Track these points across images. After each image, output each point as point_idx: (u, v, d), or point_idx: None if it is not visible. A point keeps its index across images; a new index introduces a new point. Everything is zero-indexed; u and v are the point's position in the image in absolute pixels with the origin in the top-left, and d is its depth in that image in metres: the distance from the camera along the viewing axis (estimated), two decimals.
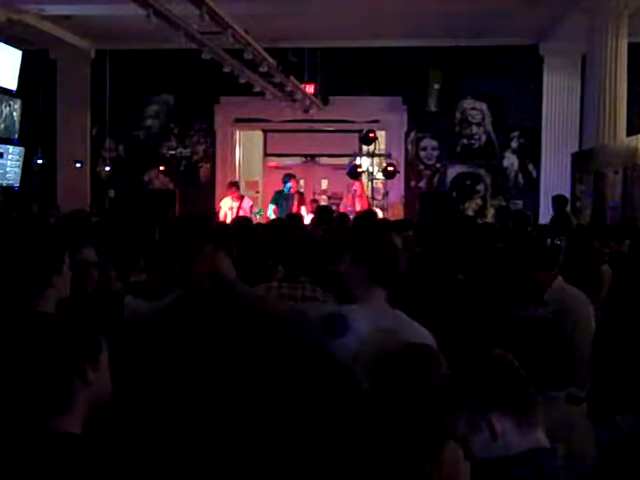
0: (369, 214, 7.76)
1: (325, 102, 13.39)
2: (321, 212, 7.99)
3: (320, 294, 4.10)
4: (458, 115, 13.82)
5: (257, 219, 11.46)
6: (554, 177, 13.13)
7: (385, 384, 2.42)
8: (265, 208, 12.63)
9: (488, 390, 1.95)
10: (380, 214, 10.91)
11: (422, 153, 14.00)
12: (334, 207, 11.96)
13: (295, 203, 11.75)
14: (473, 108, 13.81)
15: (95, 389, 1.89)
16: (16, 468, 1.74)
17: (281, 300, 3.98)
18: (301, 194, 12.39)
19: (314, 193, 15.01)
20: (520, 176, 13.83)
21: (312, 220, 8.38)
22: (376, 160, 13.37)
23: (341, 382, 2.63)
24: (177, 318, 2.62)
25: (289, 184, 11.85)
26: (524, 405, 1.96)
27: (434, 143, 13.95)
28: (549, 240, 4.67)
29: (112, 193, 14.18)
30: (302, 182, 13.94)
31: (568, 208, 10.77)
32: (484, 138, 13.85)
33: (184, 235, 4.68)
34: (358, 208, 12.50)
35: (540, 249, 4.29)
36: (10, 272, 2.91)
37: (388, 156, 13.61)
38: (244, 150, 15.27)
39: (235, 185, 12.34)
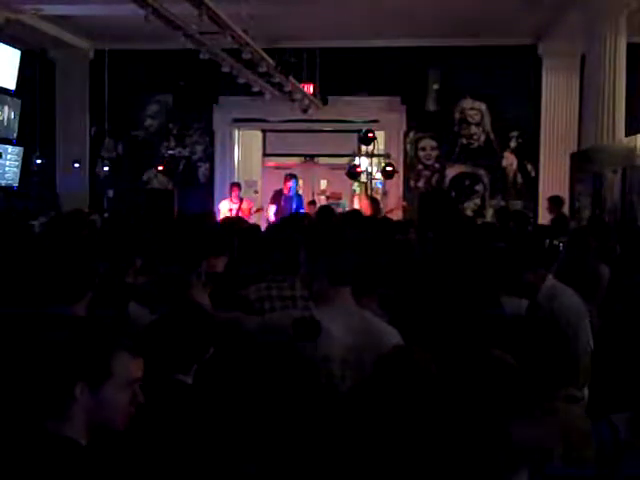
0: (328, 212, 7.73)
1: (324, 102, 13.38)
2: (323, 213, 7.90)
3: (306, 293, 4.13)
4: (457, 115, 13.82)
5: (254, 219, 11.48)
6: (553, 177, 13.14)
7: (375, 385, 2.42)
8: (264, 207, 12.66)
9: (486, 390, 1.95)
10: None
11: (421, 153, 14.00)
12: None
13: (295, 204, 11.77)
14: (472, 108, 13.81)
15: (91, 408, 1.92)
16: (13, 468, 1.75)
17: (270, 301, 4.01)
18: (299, 196, 12.40)
19: (313, 193, 15.01)
20: (519, 176, 13.83)
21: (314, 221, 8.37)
22: (375, 160, 13.36)
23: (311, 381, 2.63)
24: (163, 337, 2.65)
25: (289, 184, 11.89)
26: (522, 404, 1.97)
27: (433, 143, 13.95)
28: (547, 241, 4.67)
29: (111, 193, 14.17)
30: (301, 182, 13.93)
31: (566, 208, 10.81)
32: (483, 138, 13.86)
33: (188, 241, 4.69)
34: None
35: (537, 249, 4.29)
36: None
37: (387, 156, 13.61)
38: (243, 150, 15.26)
39: (238, 185, 12.37)
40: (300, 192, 13.19)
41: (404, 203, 13.47)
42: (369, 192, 12.86)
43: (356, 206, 12.66)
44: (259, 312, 3.84)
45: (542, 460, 1.93)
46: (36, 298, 2.99)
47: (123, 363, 2.01)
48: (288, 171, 13.12)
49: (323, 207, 9.49)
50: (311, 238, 4.44)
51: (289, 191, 12.06)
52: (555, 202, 10.44)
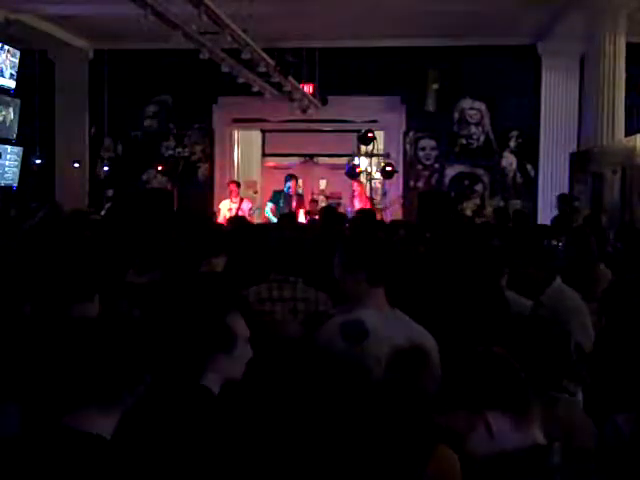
0: (368, 215, 7.69)
1: (323, 102, 13.38)
2: (327, 214, 7.72)
3: (312, 294, 4.11)
4: (456, 115, 13.82)
5: (254, 218, 11.47)
6: (552, 177, 13.14)
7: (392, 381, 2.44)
8: (263, 207, 12.65)
9: (484, 388, 1.97)
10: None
11: (420, 153, 14.00)
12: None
13: (294, 205, 11.75)
14: (471, 108, 13.81)
15: (225, 367, 2.38)
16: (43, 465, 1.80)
17: (271, 302, 4.01)
18: (300, 196, 12.38)
19: (312, 193, 15.01)
20: (518, 176, 13.83)
21: (318, 222, 8.34)
22: (374, 160, 13.36)
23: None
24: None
25: (289, 184, 11.86)
26: (520, 403, 1.98)
27: (432, 143, 13.95)
28: (547, 240, 4.68)
29: (110, 193, 14.17)
30: (300, 182, 13.92)
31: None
32: (482, 138, 13.86)
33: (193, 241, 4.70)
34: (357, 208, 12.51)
35: (539, 249, 4.31)
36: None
37: (386, 156, 13.62)
38: (242, 150, 15.26)
39: (236, 183, 12.36)
40: (300, 191, 13.18)
41: (401, 200, 13.49)
42: (367, 192, 12.87)
43: (356, 204, 12.68)
44: (259, 314, 3.82)
45: (539, 457, 1.93)
46: (56, 297, 3.00)
47: (238, 322, 2.39)
48: (288, 171, 13.10)
49: (327, 207, 9.47)
50: (349, 239, 4.44)
51: (290, 190, 12.05)
52: (563, 200, 10.42)
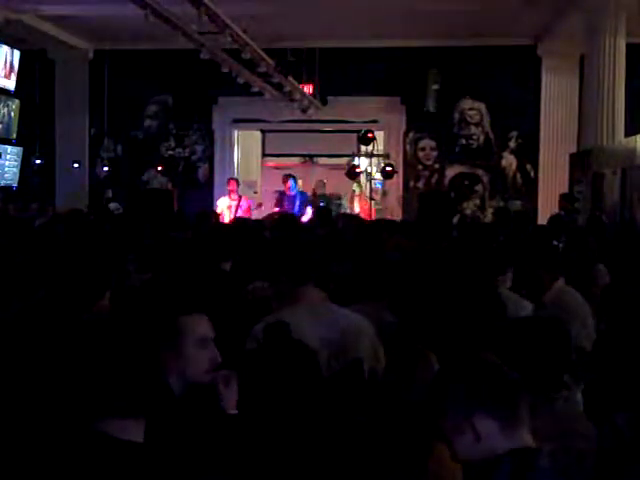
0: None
1: (323, 102, 13.38)
2: (321, 213, 7.94)
3: None
4: (456, 115, 13.82)
5: (256, 214, 11.47)
6: (552, 177, 13.14)
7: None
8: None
9: (471, 392, 1.99)
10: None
11: (420, 153, 14.00)
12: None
13: (297, 204, 11.75)
14: (471, 108, 13.81)
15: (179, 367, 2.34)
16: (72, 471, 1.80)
17: (265, 300, 4.08)
18: (303, 194, 12.38)
19: (313, 193, 15.00)
20: (518, 176, 13.83)
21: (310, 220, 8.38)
22: (374, 160, 13.36)
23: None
24: None
25: (288, 184, 11.90)
26: (508, 406, 2.00)
27: (432, 143, 13.95)
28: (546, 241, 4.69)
29: (110, 193, 14.16)
30: (300, 182, 13.92)
31: None
32: (482, 138, 13.86)
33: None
34: (357, 210, 12.53)
35: (544, 249, 4.34)
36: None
37: (386, 156, 13.61)
38: (242, 150, 15.26)
39: (235, 180, 12.37)
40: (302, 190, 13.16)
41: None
42: (367, 192, 12.87)
43: (356, 206, 12.69)
44: (265, 312, 3.86)
45: (528, 459, 1.95)
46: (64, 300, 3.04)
47: (194, 322, 2.38)
48: (287, 171, 13.11)
49: (321, 207, 9.50)
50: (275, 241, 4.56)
51: (289, 190, 12.05)
52: (565, 199, 10.39)
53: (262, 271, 4.21)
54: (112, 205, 12.36)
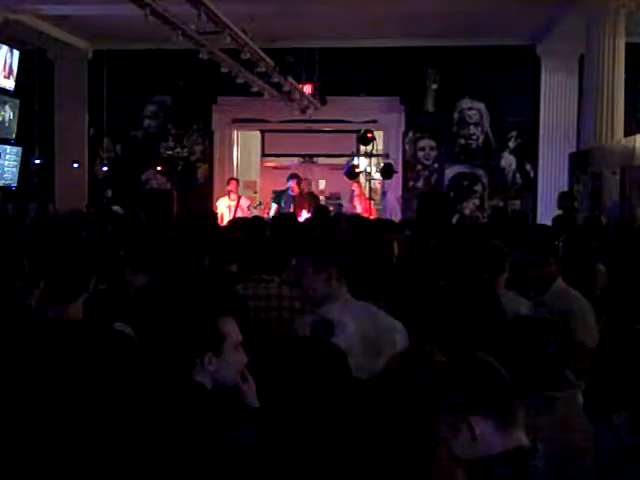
0: (325, 211, 7.83)
1: (323, 102, 13.37)
2: (319, 212, 7.98)
3: (286, 291, 4.20)
4: (456, 115, 13.82)
5: (255, 213, 11.47)
6: (552, 177, 13.13)
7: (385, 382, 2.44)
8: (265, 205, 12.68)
9: (467, 393, 1.99)
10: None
11: (420, 153, 14.00)
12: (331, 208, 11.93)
13: (296, 204, 11.75)
14: (471, 108, 13.81)
15: (217, 370, 2.45)
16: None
17: (256, 299, 4.12)
18: (302, 194, 12.37)
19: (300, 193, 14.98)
20: (518, 176, 13.83)
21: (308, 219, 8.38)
22: (374, 160, 13.36)
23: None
24: None
25: (289, 184, 11.90)
26: (504, 406, 2.00)
27: (432, 143, 13.95)
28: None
29: (109, 193, 14.16)
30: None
31: None
32: (482, 138, 13.85)
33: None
34: (359, 209, 12.52)
35: (544, 247, 4.35)
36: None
37: (386, 156, 13.61)
38: (242, 150, 15.26)
39: (235, 180, 12.37)
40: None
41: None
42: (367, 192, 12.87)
43: (357, 206, 12.68)
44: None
45: (523, 459, 1.95)
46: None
47: (231, 326, 2.47)
48: (287, 171, 13.11)
49: (320, 207, 9.50)
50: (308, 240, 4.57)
51: (291, 190, 12.06)
52: (564, 198, 10.38)
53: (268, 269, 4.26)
54: (115, 208, 12.36)
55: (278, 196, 12.09)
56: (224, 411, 2.34)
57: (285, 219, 7.98)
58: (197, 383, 2.37)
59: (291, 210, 11.17)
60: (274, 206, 11.88)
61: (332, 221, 8.05)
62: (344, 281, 3.30)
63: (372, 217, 10.76)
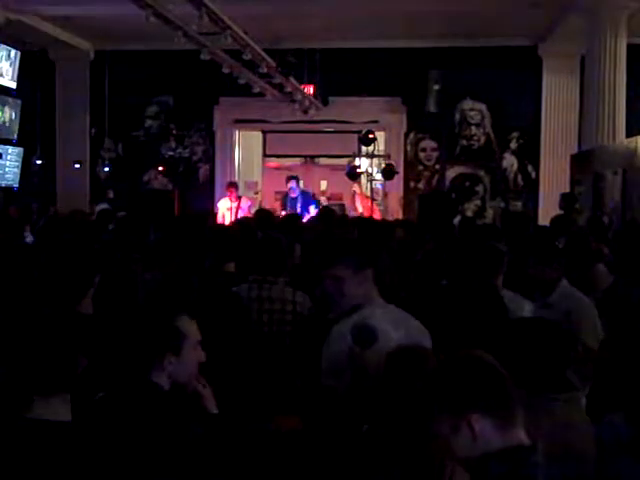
0: (330, 212, 7.83)
1: (324, 103, 13.37)
2: (324, 215, 7.90)
3: (289, 294, 4.17)
4: (457, 116, 13.82)
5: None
6: (553, 178, 13.13)
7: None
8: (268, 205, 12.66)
9: (467, 391, 1.99)
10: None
11: (421, 154, 14.00)
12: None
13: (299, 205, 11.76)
14: (472, 109, 13.81)
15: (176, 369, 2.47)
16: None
17: (260, 302, 4.10)
18: (306, 193, 12.38)
19: (313, 194, 15.00)
20: (519, 177, 13.82)
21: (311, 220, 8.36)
22: (375, 161, 13.35)
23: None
24: None
25: (290, 185, 11.91)
26: (503, 405, 2.00)
27: (433, 144, 13.95)
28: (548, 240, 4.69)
29: (111, 193, 14.16)
30: (301, 183, 13.93)
31: None
32: (483, 139, 13.85)
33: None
34: (360, 210, 12.52)
35: (547, 248, 4.36)
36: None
37: (387, 157, 13.60)
38: (243, 151, 15.26)
39: (234, 185, 12.37)
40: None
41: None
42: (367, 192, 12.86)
43: (358, 206, 12.68)
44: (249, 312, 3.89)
45: (523, 457, 1.95)
46: (42, 299, 3.09)
47: (189, 325, 2.48)
48: (289, 172, 13.11)
49: (325, 208, 9.47)
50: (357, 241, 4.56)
51: (292, 192, 12.06)
52: (566, 199, 10.36)
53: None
54: (120, 214, 12.34)
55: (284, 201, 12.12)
56: (181, 413, 2.36)
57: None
58: (154, 384, 2.39)
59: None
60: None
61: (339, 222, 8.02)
62: (377, 284, 3.20)
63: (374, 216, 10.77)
